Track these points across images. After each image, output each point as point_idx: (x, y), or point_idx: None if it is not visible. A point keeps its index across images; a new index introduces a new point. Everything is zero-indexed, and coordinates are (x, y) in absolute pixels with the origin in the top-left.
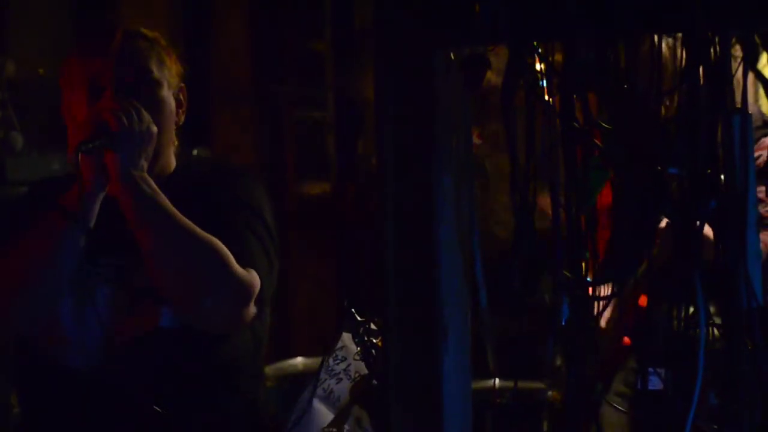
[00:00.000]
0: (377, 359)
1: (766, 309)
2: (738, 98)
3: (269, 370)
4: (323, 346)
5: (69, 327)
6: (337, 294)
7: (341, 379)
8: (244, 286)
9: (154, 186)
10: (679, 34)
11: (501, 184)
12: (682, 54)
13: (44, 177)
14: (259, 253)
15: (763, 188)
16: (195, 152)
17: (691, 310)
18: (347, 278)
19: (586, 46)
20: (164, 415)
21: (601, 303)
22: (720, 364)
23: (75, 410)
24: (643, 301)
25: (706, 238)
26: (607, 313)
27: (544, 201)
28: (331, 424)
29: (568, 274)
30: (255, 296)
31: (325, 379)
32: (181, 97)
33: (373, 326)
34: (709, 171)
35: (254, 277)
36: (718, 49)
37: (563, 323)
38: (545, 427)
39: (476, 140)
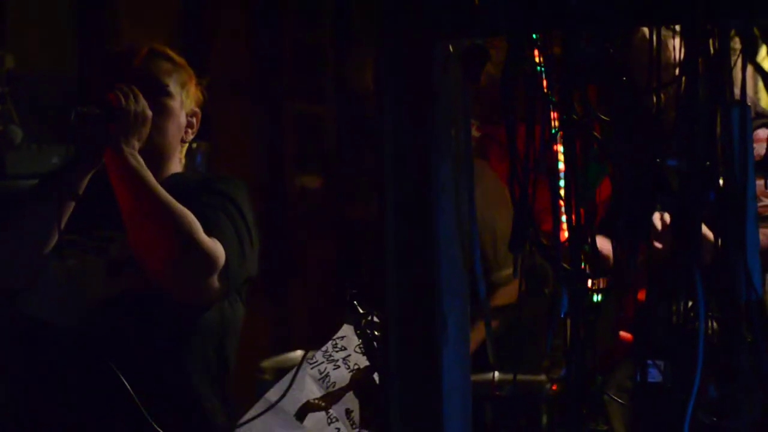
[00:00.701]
0: (379, 352)
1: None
2: (737, 90)
3: (268, 363)
4: (323, 340)
5: (49, 288)
6: (338, 287)
7: (339, 367)
8: (207, 253)
9: (141, 161)
10: (678, 26)
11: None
12: (681, 46)
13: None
14: (228, 230)
15: (761, 182)
16: (194, 145)
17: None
18: (348, 271)
19: (585, 38)
20: (123, 377)
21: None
22: (719, 356)
23: (49, 363)
24: (642, 295)
25: (705, 238)
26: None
27: (605, 246)
28: (320, 399)
29: (567, 266)
30: (218, 266)
31: (322, 362)
32: (194, 120)
33: (375, 319)
34: (708, 163)
35: (219, 248)
36: (717, 41)
37: (562, 315)
38: (544, 420)
39: (475, 133)
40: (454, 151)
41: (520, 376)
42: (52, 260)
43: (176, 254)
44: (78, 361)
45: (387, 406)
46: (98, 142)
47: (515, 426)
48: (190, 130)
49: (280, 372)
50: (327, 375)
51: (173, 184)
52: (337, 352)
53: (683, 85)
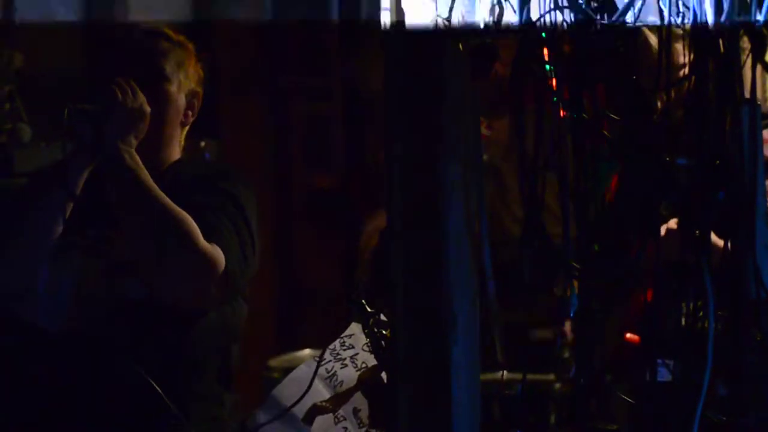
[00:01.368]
0: (387, 351)
1: None
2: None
3: (276, 362)
4: (332, 338)
5: (43, 289)
6: (345, 286)
7: (346, 365)
8: (206, 259)
9: (138, 160)
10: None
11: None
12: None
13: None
14: (228, 233)
15: None
16: (203, 144)
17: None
18: (356, 271)
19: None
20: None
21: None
22: (728, 355)
23: (42, 368)
24: (650, 295)
25: (714, 245)
26: None
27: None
28: (328, 401)
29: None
30: (218, 272)
31: (329, 361)
32: (195, 101)
33: (383, 317)
34: (717, 162)
35: (218, 253)
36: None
37: (572, 314)
38: (553, 419)
39: (485, 131)
40: (463, 148)
41: (529, 375)
42: (49, 262)
43: (173, 260)
44: (76, 366)
45: (395, 405)
46: (93, 140)
47: (524, 425)
48: (190, 113)
49: (288, 371)
50: (334, 373)
51: (173, 178)
52: (344, 350)
53: (692, 83)
